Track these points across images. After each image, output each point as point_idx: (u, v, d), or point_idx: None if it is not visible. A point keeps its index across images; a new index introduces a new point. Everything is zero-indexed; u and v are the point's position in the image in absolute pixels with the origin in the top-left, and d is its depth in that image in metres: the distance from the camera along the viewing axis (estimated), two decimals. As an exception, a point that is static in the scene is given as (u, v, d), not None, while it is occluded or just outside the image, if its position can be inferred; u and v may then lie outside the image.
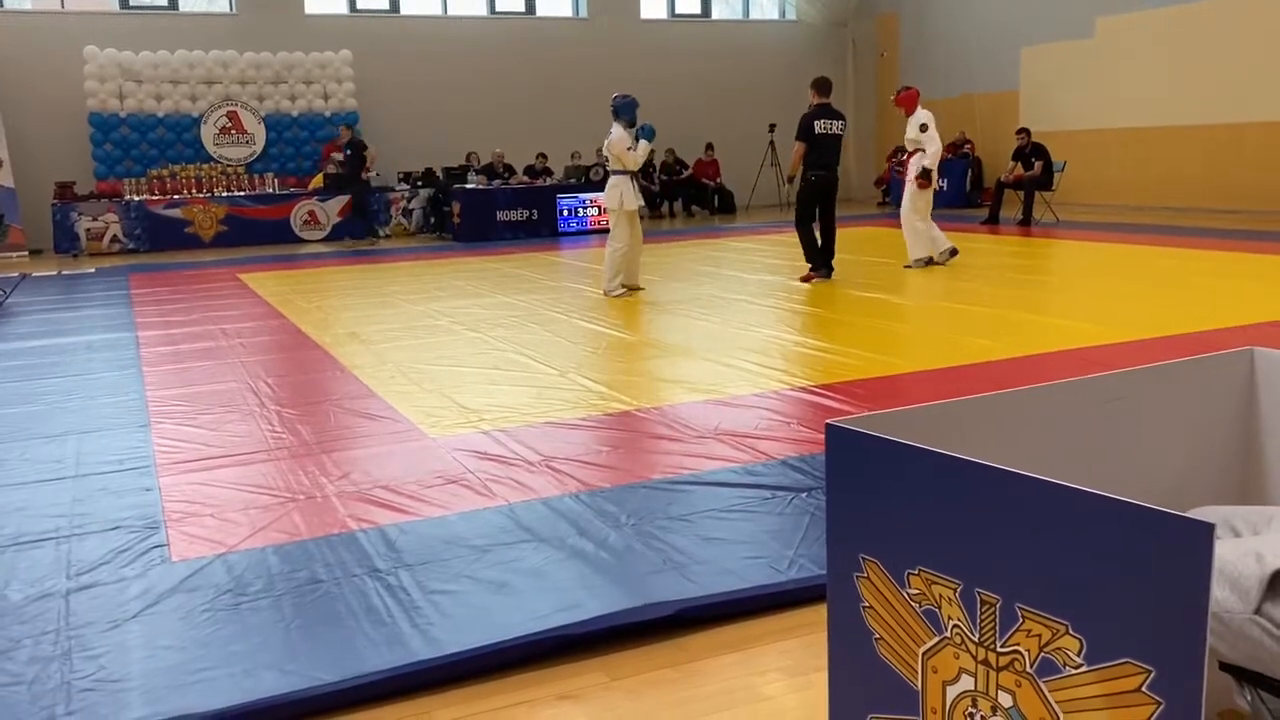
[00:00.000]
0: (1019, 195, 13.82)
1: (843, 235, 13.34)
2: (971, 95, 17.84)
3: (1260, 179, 13.68)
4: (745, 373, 5.59)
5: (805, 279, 8.99)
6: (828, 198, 9.17)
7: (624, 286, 8.76)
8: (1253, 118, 13.71)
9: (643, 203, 9.03)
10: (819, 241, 9.11)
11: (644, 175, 17.85)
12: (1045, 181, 13.72)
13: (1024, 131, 14.01)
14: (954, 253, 9.99)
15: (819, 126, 8.88)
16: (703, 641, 2.66)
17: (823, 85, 9.05)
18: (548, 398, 5.14)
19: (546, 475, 3.90)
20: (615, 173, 8.74)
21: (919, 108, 9.75)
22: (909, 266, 9.71)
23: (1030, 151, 13.74)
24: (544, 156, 16.56)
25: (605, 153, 8.77)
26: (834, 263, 9.17)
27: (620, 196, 8.67)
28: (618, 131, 8.57)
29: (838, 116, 9.02)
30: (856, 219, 15.71)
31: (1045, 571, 1.41)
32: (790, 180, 9.08)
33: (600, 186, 15.47)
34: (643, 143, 8.64)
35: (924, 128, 9.62)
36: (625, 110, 8.64)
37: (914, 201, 9.75)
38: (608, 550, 3.14)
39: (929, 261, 9.75)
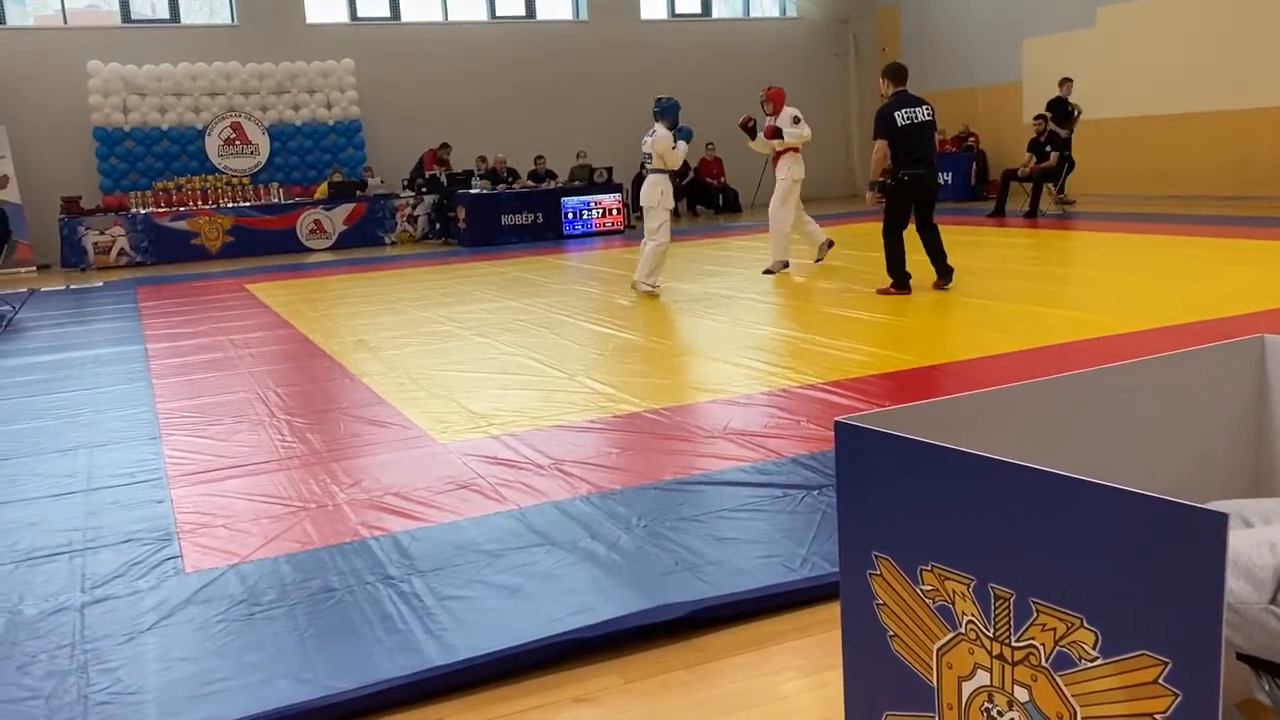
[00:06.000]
0: (1025, 187, 13.79)
1: (844, 231, 13.37)
2: (974, 88, 17.80)
3: (1267, 165, 13.62)
4: (753, 371, 5.59)
5: (884, 292, 7.94)
6: (927, 200, 7.91)
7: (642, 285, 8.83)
8: (1259, 103, 13.65)
9: (673, 204, 9.11)
10: (904, 254, 7.98)
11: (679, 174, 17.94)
12: (1053, 173, 13.68)
13: (1042, 118, 13.90)
14: (830, 244, 9.91)
15: (900, 117, 7.66)
16: (717, 642, 2.65)
17: (896, 72, 7.98)
18: (556, 401, 5.15)
19: (557, 478, 3.90)
20: (656, 171, 8.80)
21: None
22: (769, 271, 9.48)
23: (1045, 140, 13.66)
24: (543, 159, 16.56)
25: (648, 150, 8.79)
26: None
27: (660, 194, 8.75)
28: (662, 130, 8.68)
29: (921, 102, 7.82)
30: (858, 216, 15.69)
31: (1059, 565, 1.41)
32: (873, 187, 7.83)
33: (606, 189, 15.54)
34: (681, 143, 8.76)
35: (797, 120, 9.39)
36: (670, 112, 8.75)
37: (785, 202, 9.50)
38: (620, 552, 3.14)
39: (786, 265, 9.58)
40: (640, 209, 9.20)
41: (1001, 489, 1.47)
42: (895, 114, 7.69)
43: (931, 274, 8.06)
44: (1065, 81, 13.93)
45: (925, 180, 7.84)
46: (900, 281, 7.96)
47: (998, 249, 10.50)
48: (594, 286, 9.50)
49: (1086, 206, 14.19)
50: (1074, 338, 5.89)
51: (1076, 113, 13.85)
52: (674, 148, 8.68)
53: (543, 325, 7.43)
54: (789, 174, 9.53)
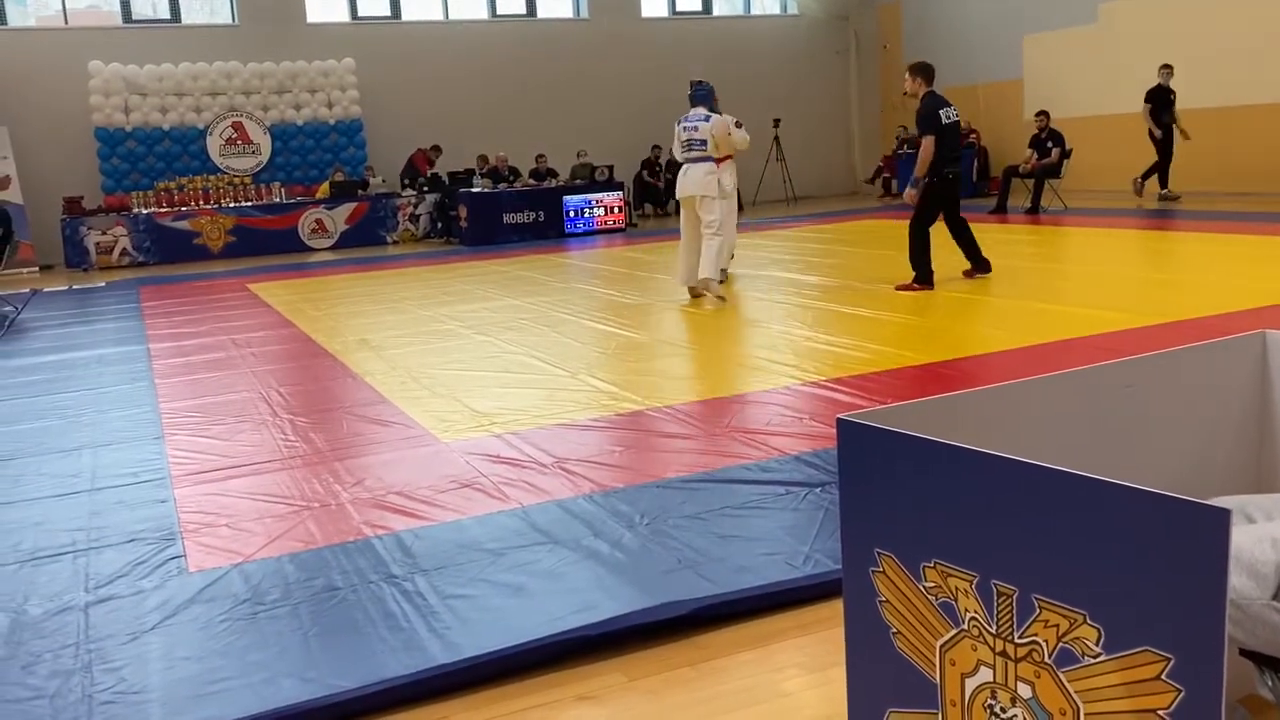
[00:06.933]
0: (1027, 184, 13.78)
1: (847, 229, 13.37)
2: (975, 85, 17.79)
3: (1269, 161, 13.60)
4: (756, 369, 5.59)
5: (905, 288, 7.92)
6: (957, 197, 8.10)
7: (690, 289, 8.23)
8: (1261, 99, 13.63)
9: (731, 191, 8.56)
10: (930, 250, 7.98)
11: (651, 173, 17.91)
12: (1055, 169, 13.67)
13: (1043, 114, 13.90)
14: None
15: (945, 115, 7.80)
16: (720, 640, 2.66)
17: (928, 71, 7.98)
18: (559, 399, 5.15)
19: (559, 477, 3.91)
20: (704, 159, 8.02)
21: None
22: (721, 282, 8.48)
23: (1047, 137, 13.67)
24: (544, 157, 16.56)
25: (699, 137, 7.97)
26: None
27: (718, 182, 8.04)
28: (717, 116, 8.06)
29: (950, 103, 7.99)
30: (859, 213, 15.70)
31: (1061, 561, 1.41)
32: (915, 184, 7.86)
33: (607, 187, 15.50)
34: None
35: (739, 124, 8.65)
36: (709, 97, 8.20)
37: (733, 211, 8.86)
38: (623, 550, 3.14)
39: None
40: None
41: (1004, 486, 1.47)
42: (940, 111, 7.76)
43: (954, 270, 8.08)
44: (1165, 68, 13.55)
45: (959, 177, 8.01)
46: (924, 276, 7.93)
47: (1000, 245, 10.47)
48: (596, 285, 9.50)
49: (1088, 202, 14.18)
50: (1076, 334, 5.89)
51: (1174, 99, 13.48)
52: (730, 134, 8.12)
53: (545, 324, 7.43)
54: (732, 180, 8.93)
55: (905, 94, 8.13)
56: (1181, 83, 14.42)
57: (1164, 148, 13.69)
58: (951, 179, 7.93)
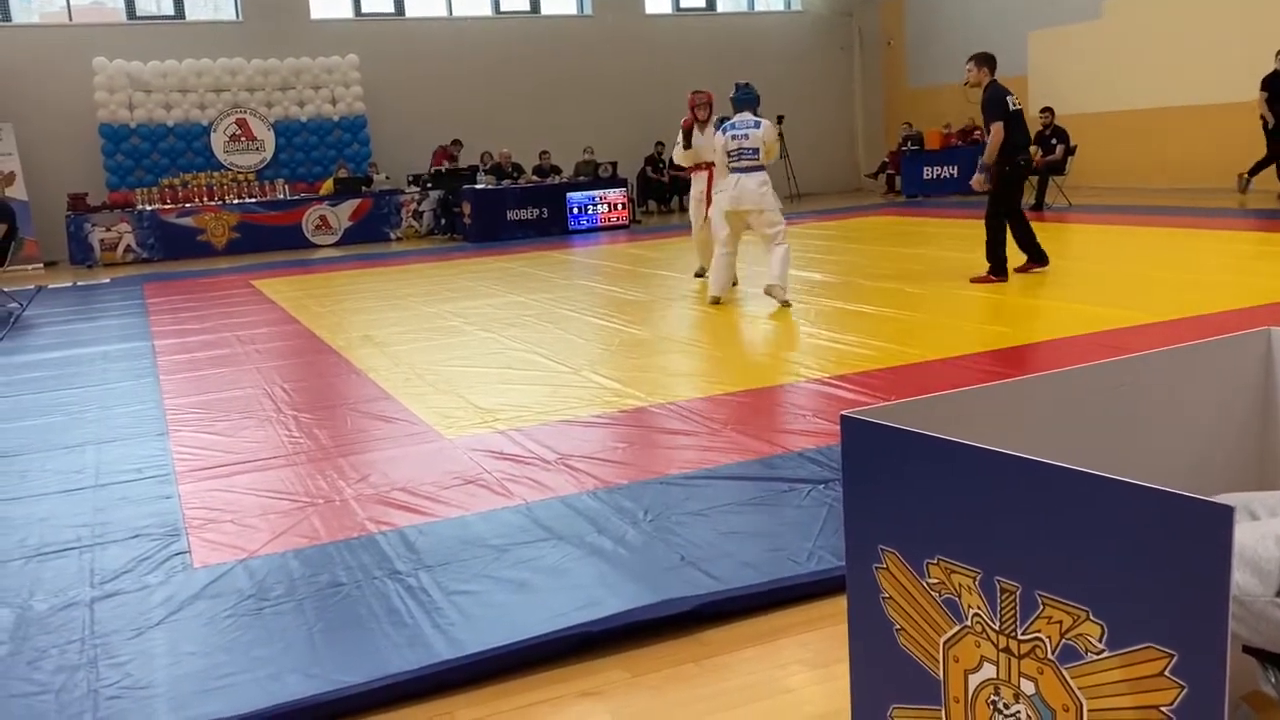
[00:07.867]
0: (1031, 181, 13.74)
1: (853, 225, 13.36)
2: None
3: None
4: (759, 365, 5.59)
5: (980, 280, 7.83)
6: (1022, 188, 8.04)
7: (716, 298, 7.89)
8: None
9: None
10: (1006, 240, 7.89)
11: (655, 169, 17.89)
12: (1059, 166, 13.65)
13: (1048, 111, 13.87)
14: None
15: (1011, 102, 7.72)
16: (723, 636, 2.66)
17: (992, 60, 7.88)
18: (562, 395, 5.15)
19: (563, 473, 3.91)
20: (759, 168, 7.54)
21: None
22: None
23: (1051, 133, 13.64)
24: (547, 154, 16.55)
25: (750, 145, 7.48)
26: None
27: (773, 192, 7.64)
28: (765, 121, 7.59)
29: (1011, 92, 7.89)
30: (861, 209, 15.68)
31: (1064, 558, 1.41)
32: (983, 170, 7.71)
33: (610, 184, 15.49)
34: None
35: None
36: (756, 101, 7.71)
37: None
38: (626, 547, 3.15)
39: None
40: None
41: (1007, 482, 1.47)
42: (1007, 98, 7.72)
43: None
44: None
45: (1030, 163, 8.06)
46: (1000, 269, 7.85)
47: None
48: (599, 281, 9.50)
49: (1092, 199, 14.16)
50: (1081, 331, 5.88)
51: None
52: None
53: (548, 320, 7.43)
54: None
55: (967, 84, 8.01)
56: (1184, 80, 14.39)
57: (1276, 138, 12.72)
58: (1024, 165, 7.91)
